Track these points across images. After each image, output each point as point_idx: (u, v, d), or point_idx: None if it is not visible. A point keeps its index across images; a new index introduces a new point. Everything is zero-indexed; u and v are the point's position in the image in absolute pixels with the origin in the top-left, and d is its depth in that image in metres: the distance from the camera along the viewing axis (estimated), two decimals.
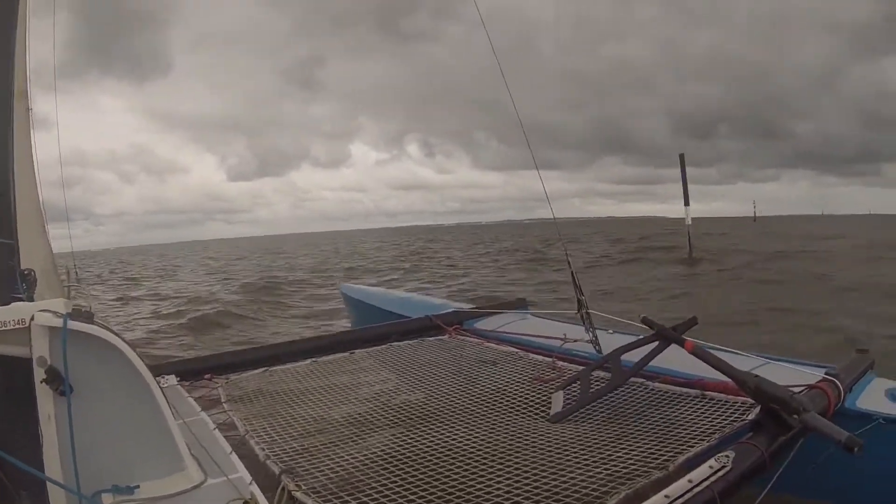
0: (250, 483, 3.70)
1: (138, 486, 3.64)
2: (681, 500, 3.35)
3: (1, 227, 4.89)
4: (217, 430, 4.77)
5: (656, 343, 5.37)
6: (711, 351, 5.04)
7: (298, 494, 3.85)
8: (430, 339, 7.90)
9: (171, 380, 6.30)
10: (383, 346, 7.66)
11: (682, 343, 5.14)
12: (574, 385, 5.44)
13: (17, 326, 3.68)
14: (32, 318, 3.66)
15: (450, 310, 8.92)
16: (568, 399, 5.24)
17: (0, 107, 5.08)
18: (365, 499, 3.81)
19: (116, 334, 3.81)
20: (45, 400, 3.68)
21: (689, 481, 3.49)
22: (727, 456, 3.71)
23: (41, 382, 3.64)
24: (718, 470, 3.60)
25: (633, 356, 5.43)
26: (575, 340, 6.66)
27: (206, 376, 6.80)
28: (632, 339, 5.89)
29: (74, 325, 3.63)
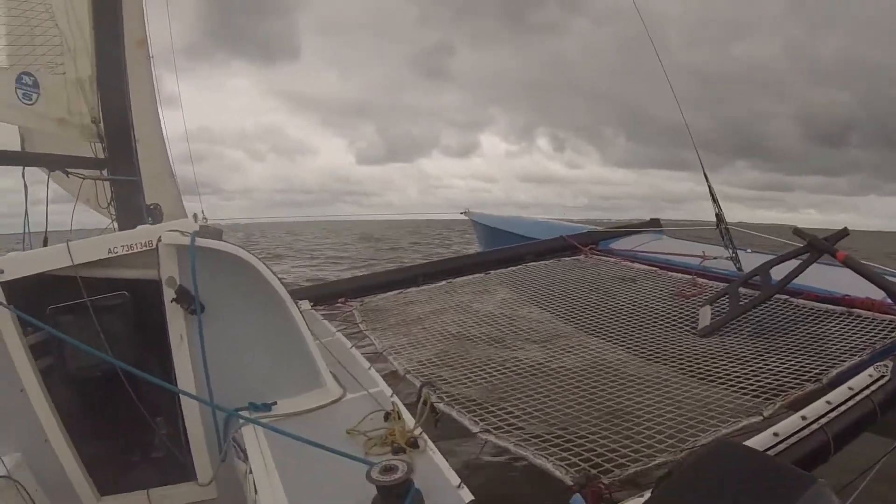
0: (391, 396, 3.60)
1: (276, 403, 3.59)
2: (842, 407, 3.14)
3: (125, 165, 4.91)
4: (354, 348, 4.70)
5: (805, 255, 5.07)
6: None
7: (442, 406, 3.73)
8: (566, 258, 7.72)
9: (305, 304, 6.27)
10: (519, 267, 7.52)
11: (833, 253, 4.87)
12: (721, 299, 5.23)
13: (144, 249, 3.65)
14: (160, 239, 3.61)
15: (584, 230, 8.69)
16: (715, 313, 5.04)
17: (116, 53, 5.04)
18: (510, 409, 3.66)
19: (248, 251, 3.74)
20: (176, 320, 3.66)
21: (850, 388, 3.29)
22: (885, 366, 3.48)
23: (171, 302, 3.62)
24: (878, 379, 3.39)
25: (779, 272, 5.19)
26: (714, 258, 6.45)
27: (340, 300, 6.81)
28: (771, 257, 5.61)
29: (203, 242, 3.58)
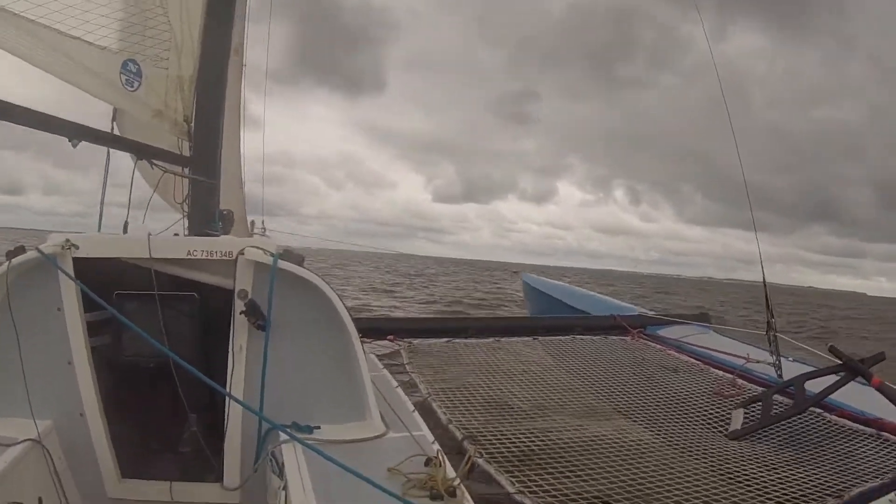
0: (433, 442, 3.65)
1: (318, 427, 3.64)
2: None
3: (207, 167, 5.05)
4: (399, 388, 4.76)
5: (841, 374, 5.09)
6: None
7: (481, 461, 3.81)
8: (613, 337, 7.77)
9: None
10: (567, 338, 7.59)
11: (869, 377, 4.89)
12: (754, 405, 5.25)
13: (223, 258, 3.78)
14: (242, 252, 3.75)
15: (634, 313, 8.76)
16: (747, 418, 5.07)
17: (217, 61, 5.25)
18: (547, 476, 3.78)
19: (325, 280, 3.85)
20: (241, 331, 3.77)
21: None
22: None
23: (240, 314, 3.73)
24: None
25: (814, 385, 5.20)
26: (758, 361, 6.41)
27: (389, 337, 6.92)
28: (812, 369, 5.61)
29: (284, 264, 3.70)
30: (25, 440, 3.45)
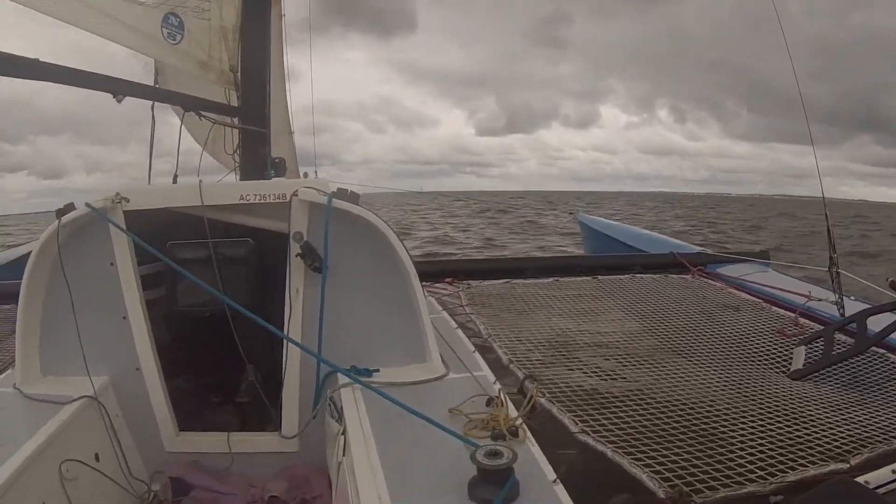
0: (494, 382, 3.64)
1: (378, 370, 3.66)
2: None
3: (257, 116, 5.03)
4: (459, 329, 4.78)
5: None
6: None
7: (543, 401, 3.79)
8: (674, 276, 7.74)
9: None
10: (626, 276, 7.58)
11: None
12: (816, 343, 5.15)
13: (276, 201, 3.76)
14: (295, 194, 3.71)
15: (693, 251, 8.70)
16: (809, 357, 4.97)
17: (259, 8, 5.22)
18: (609, 415, 3.75)
19: (382, 219, 3.83)
20: (297, 274, 3.77)
21: None
22: None
23: (296, 257, 3.72)
24: None
25: (877, 323, 5.01)
26: (820, 300, 6.24)
27: (447, 279, 6.98)
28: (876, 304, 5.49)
29: (339, 203, 3.67)
30: (81, 397, 3.49)
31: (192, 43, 4.82)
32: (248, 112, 5.15)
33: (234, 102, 5.21)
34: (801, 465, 3.21)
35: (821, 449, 3.40)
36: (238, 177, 5.25)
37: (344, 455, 2.95)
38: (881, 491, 2.93)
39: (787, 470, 3.15)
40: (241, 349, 4.00)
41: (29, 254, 3.72)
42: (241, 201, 3.80)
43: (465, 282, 7.00)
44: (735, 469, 3.15)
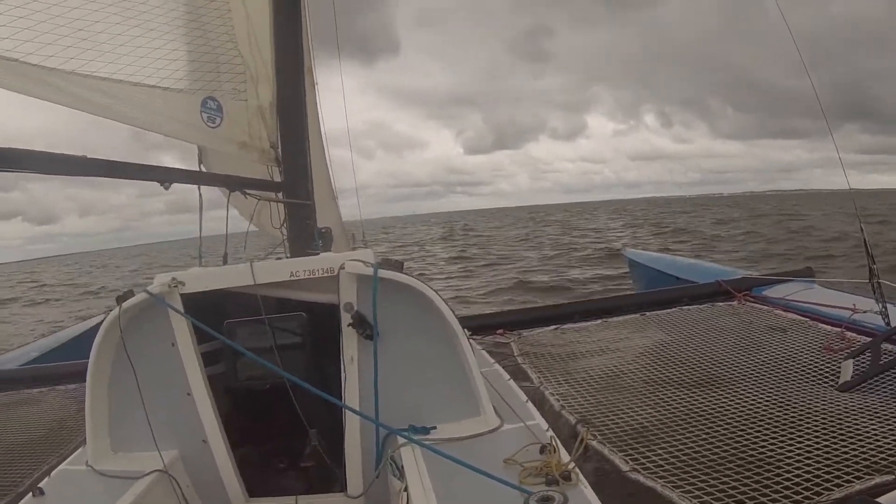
0: (547, 429, 3.75)
1: (435, 427, 3.80)
2: None
3: (300, 189, 5.22)
4: (511, 380, 4.87)
5: None
6: None
7: (594, 443, 3.92)
8: (720, 304, 7.77)
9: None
10: (674, 309, 7.65)
11: None
12: (863, 355, 5.22)
13: (325, 275, 3.94)
14: (343, 267, 3.91)
15: (738, 276, 8.73)
16: (857, 369, 5.04)
17: (294, 83, 5.38)
18: (659, 451, 3.90)
19: (425, 283, 4.00)
20: (350, 342, 3.94)
21: None
22: None
23: (347, 326, 3.89)
24: None
25: None
26: (864, 311, 6.28)
27: (499, 331, 7.14)
28: None
29: (385, 273, 3.85)
30: (153, 471, 3.69)
31: (231, 125, 4.96)
32: (292, 186, 5.31)
33: (277, 178, 5.36)
34: (847, 480, 3.32)
35: (866, 462, 3.50)
36: (287, 249, 5.43)
37: None
38: None
39: (832, 487, 3.27)
40: (303, 416, 4.14)
41: (86, 333, 3.91)
42: (292, 277, 3.99)
43: (516, 332, 7.13)
44: (781, 492, 3.28)
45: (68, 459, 4.10)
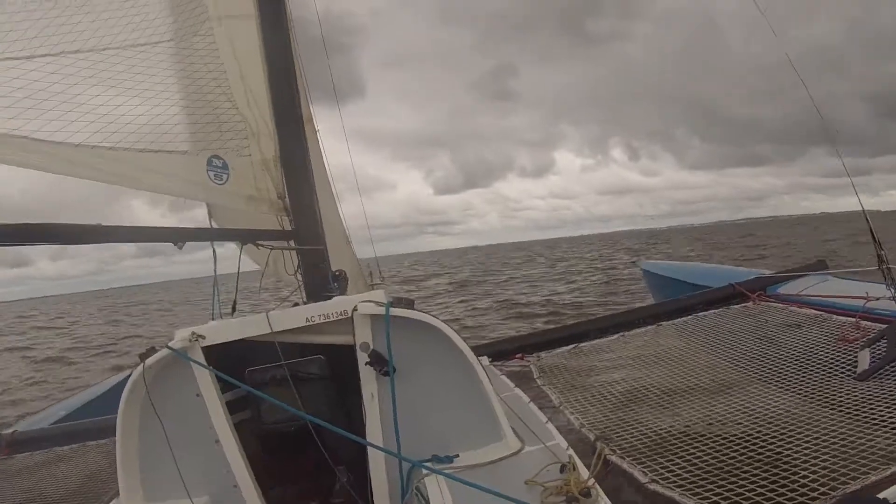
0: (567, 448, 3.85)
1: (458, 456, 3.91)
2: None
3: (311, 235, 5.33)
4: (531, 403, 4.97)
5: None
6: None
7: (614, 458, 4.01)
8: (735, 307, 7.79)
9: (484, 360, 6.55)
10: (689, 318, 7.67)
11: None
12: (879, 342, 5.24)
13: (339, 318, 4.07)
14: (356, 309, 4.03)
15: (752, 276, 8.73)
16: (874, 356, 5.06)
17: (295, 133, 5.47)
18: (679, 461, 3.95)
19: (437, 318, 4.10)
20: (369, 380, 4.06)
21: None
22: None
23: (365, 365, 4.02)
24: None
25: None
26: (877, 299, 6.33)
27: (518, 356, 7.20)
28: None
29: (396, 311, 3.97)
30: None
31: (238, 180, 5.08)
32: (302, 233, 5.40)
33: (288, 226, 5.44)
34: (864, 472, 3.36)
35: (883, 452, 3.54)
36: (303, 295, 5.53)
37: None
38: None
39: (849, 480, 3.31)
40: (328, 455, 4.24)
41: (112, 389, 4.01)
42: (308, 322, 4.11)
43: (534, 354, 7.20)
44: (798, 490, 3.33)
45: None
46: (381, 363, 3.98)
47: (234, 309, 5.00)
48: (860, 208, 5.79)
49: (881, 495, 3.01)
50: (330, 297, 4.49)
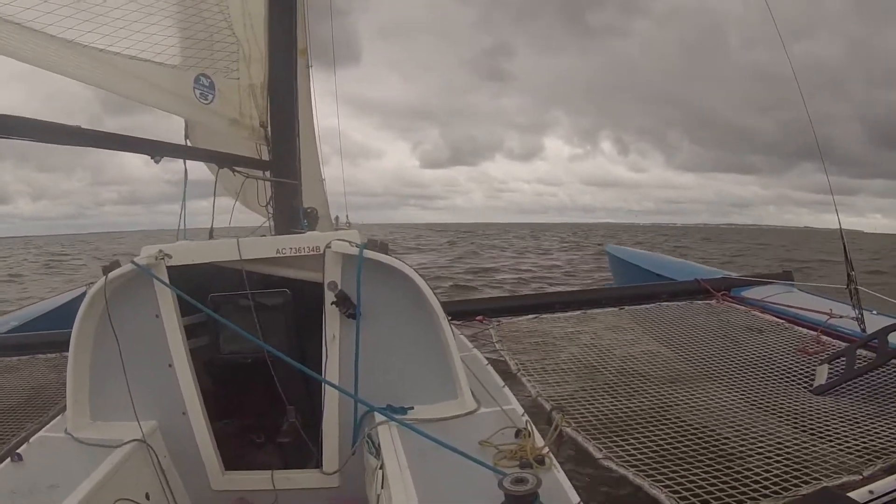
0: (523, 414, 3.79)
1: (412, 408, 3.86)
2: None
3: (288, 168, 5.23)
4: (489, 365, 4.92)
5: None
6: None
7: (569, 430, 3.98)
8: (699, 302, 7.85)
9: None
10: (652, 305, 7.71)
11: None
12: (838, 360, 5.30)
13: (310, 253, 3.98)
14: (329, 246, 3.94)
15: (718, 276, 8.81)
16: (832, 373, 5.13)
17: (287, 63, 5.36)
18: (633, 441, 3.97)
19: (409, 265, 4.04)
20: (333, 321, 3.98)
21: None
22: None
23: (331, 305, 3.93)
24: None
25: None
26: (841, 317, 6.41)
27: (478, 318, 7.18)
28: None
29: (370, 254, 3.90)
30: (131, 440, 3.72)
31: (223, 102, 4.96)
32: (280, 165, 5.32)
33: (266, 156, 5.36)
34: (815, 478, 3.40)
35: (835, 462, 3.59)
36: (272, 227, 5.43)
37: (382, 488, 3.13)
38: (885, 499, 3.08)
39: (801, 484, 3.34)
40: (282, 392, 4.20)
41: (65, 305, 3.91)
42: (278, 254, 4.03)
43: (495, 319, 7.17)
44: (751, 486, 3.35)
45: (47, 426, 4.11)
46: (347, 305, 3.89)
47: (211, 234, 4.90)
48: (840, 226, 5.83)
49: (851, 494, 3.07)
50: (301, 233, 4.41)
